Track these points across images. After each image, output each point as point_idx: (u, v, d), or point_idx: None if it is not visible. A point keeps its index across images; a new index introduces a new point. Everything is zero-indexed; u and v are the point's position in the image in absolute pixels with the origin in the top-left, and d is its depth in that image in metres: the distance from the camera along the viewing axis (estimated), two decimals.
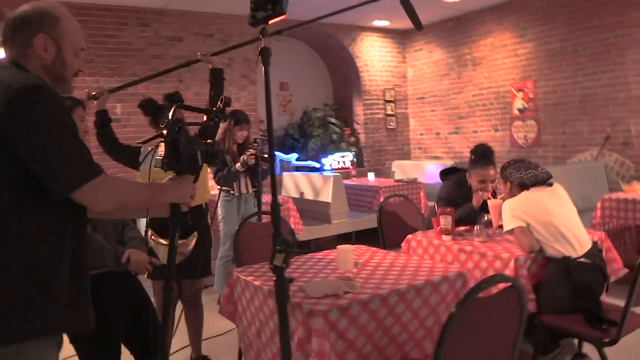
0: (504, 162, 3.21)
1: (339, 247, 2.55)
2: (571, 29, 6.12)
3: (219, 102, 1.90)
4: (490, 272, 2.79)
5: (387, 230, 4.08)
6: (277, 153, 7.41)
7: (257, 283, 2.37)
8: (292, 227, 5.48)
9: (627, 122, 5.73)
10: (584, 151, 6.15)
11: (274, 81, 6.07)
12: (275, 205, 1.75)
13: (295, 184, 6.71)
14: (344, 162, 7.72)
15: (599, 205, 4.60)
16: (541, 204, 2.87)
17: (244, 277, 2.49)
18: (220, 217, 4.45)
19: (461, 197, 3.56)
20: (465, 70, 7.49)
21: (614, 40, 5.74)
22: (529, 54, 6.62)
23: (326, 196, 6.09)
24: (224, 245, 4.40)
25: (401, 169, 7.92)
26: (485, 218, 3.58)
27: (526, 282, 2.69)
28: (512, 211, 2.90)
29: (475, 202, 3.44)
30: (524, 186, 2.97)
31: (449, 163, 7.38)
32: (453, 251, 3.03)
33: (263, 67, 1.69)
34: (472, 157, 3.58)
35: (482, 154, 3.51)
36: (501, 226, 3.34)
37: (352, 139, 8.14)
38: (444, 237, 3.15)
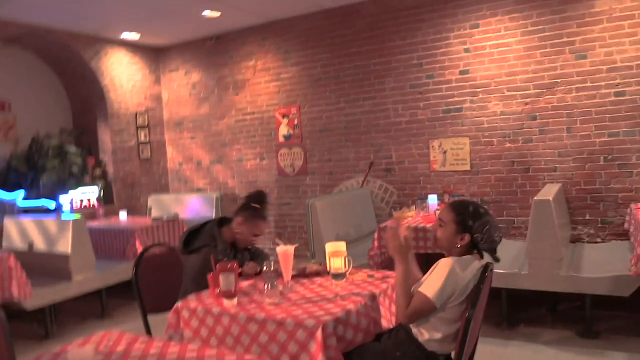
0: (460, 199, 2.39)
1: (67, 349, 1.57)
2: (333, 55, 6.03)
3: None
4: (292, 346, 2.11)
5: (149, 293, 3.14)
6: None
7: None
8: (15, 292, 4.15)
9: (389, 148, 5.80)
10: (350, 178, 6.07)
11: None
12: None
13: (22, 232, 5.20)
14: (88, 199, 6.38)
15: (375, 235, 4.40)
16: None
17: None
18: None
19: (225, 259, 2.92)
20: (226, 93, 6.91)
21: (374, 68, 5.79)
22: (293, 78, 6.35)
23: (64, 246, 4.78)
24: None
25: (159, 204, 6.94)
26: (267, 268, 2.94)
27: (336, 352, 2.08)
28: (451, 279, 2.12)
29: (250, 270, 2.84)
30: (484, 252, 2.24)
31: (213, 195, 6.67)
32: (239, 322, 2.26)
33: None
34: (251, 204, 3.04)
35: (261, 201, 3.04)
36: (296, 275, 2.73)
37: (98, 171, 6.84)
38: (225, 301, 2.38)
